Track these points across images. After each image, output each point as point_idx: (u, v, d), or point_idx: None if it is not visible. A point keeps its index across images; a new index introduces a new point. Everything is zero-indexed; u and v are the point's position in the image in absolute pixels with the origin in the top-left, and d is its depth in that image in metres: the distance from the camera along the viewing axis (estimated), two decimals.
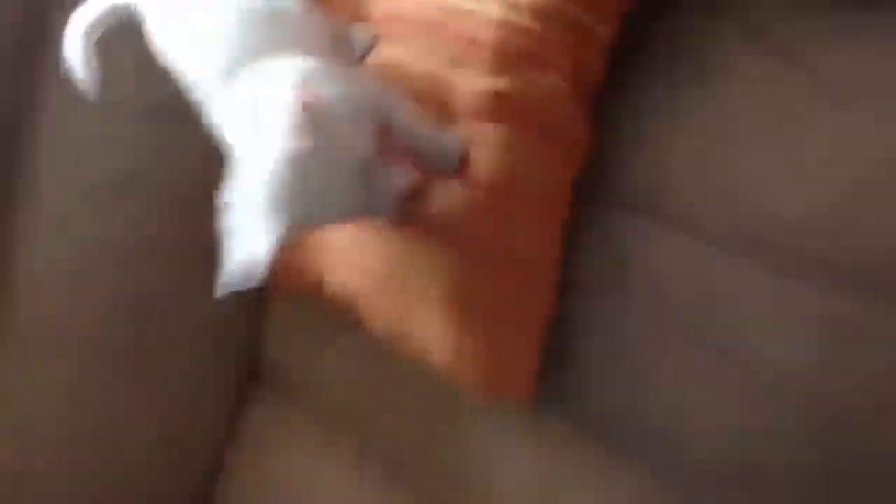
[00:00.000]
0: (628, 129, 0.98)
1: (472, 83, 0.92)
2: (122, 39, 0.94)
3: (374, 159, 0.79)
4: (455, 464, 1.06)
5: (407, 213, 0.90)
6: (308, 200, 0.77)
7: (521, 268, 0.94)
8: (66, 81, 0.95)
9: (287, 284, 1.07)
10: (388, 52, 0.98)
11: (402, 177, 0.84)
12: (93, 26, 0.94)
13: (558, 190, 0.96)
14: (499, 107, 0.92)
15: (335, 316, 1.07)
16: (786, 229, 0.90)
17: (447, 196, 0.92)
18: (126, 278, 1.15)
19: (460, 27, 0.94)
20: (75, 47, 0.94)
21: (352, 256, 0.99)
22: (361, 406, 1.15)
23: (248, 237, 0.75)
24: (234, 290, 0.74)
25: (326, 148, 0.76)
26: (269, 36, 0.87)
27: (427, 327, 0.96)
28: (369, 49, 1.00)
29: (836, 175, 0.89)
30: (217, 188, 0.78)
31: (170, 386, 1.20)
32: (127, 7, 0.94)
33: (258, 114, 0.79)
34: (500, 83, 0.92)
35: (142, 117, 1.12)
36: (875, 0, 0.92)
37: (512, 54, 0.92)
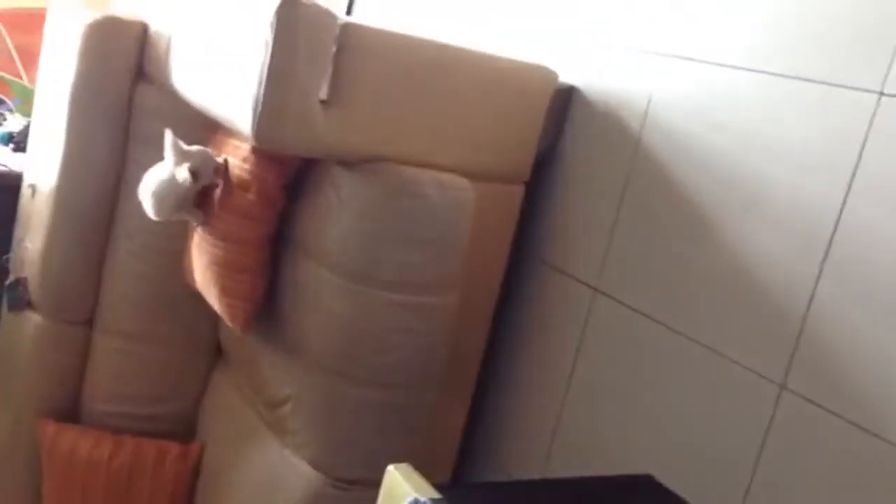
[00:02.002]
0: None
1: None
2: None
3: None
4: None
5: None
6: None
7: (232, 271, 1.92)
8: None
9: (188, 283, 2.15)
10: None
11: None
12: None
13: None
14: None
15: None
16: None
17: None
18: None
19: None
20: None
21: (194, 261, 2.05)
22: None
23: None
24: None
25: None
26: None
27: (213, 299, 1.98)
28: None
29: None
30: None
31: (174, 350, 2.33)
32: None
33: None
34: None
35: None
36: None
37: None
